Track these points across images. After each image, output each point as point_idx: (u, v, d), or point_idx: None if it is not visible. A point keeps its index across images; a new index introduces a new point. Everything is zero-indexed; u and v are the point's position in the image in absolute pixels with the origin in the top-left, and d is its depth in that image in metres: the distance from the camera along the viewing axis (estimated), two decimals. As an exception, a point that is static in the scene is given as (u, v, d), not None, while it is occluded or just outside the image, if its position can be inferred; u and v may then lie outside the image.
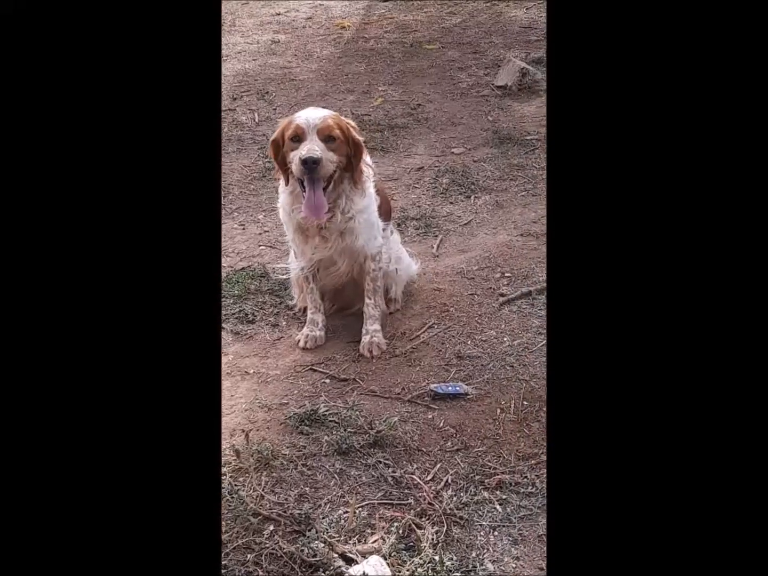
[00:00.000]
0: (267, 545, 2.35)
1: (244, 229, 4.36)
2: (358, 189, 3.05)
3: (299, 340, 3.30)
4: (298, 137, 2.92)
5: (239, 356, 3.29)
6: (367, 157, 3.17)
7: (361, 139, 3.05)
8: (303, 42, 7.52)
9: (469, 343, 3.23)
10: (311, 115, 2.94)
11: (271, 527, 2.43)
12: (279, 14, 8.53)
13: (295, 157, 2.90)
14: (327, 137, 2.91)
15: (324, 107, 5.67)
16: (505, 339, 3.22)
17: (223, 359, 3.27)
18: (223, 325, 3.47)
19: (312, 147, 2.85)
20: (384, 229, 3.29)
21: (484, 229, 4.16)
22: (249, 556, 2.34)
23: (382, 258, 3.25)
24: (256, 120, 5.74)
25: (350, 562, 2.30)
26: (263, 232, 4.24)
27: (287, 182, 3.05)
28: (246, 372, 3.19)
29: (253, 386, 3.10)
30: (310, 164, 2.84)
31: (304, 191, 2.94)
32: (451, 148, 5.17)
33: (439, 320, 3.40)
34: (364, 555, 2.32)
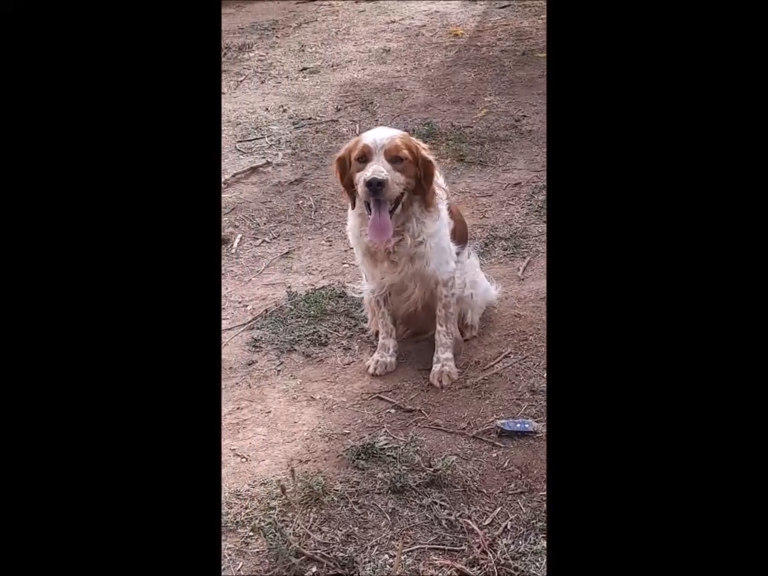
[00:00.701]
0: (310, 589, 2.25)
1: (330, 245, 4.30)
2: (429, 212, 2.92)
3: (369, 366, 3.20)
4: (365, 157, 2.82)
5: (308, 380, 3.22)
6: (440, 179, 3.04)
7: (432, 158, 2.92)
8: (414, 51, 7.42)
9: (545, 375, 3.05)
10: (379, 135, 2.84)
11: (314, 569, 2.34)
12: (394, 22, 8.46)
13: (360, 178, 2.80)
14: (394, 158, 2.80)
15: (426, 119, 5.69)
16: (583, 372, 3.02)
17: (292, 383, 3.20)
18: (296, 347, 3.41)
19: (378, 168, 2.75)
20: (458, 253, 3.15)
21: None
22: (287, 598, 2.25)
23: (454, 284, 3.11)
24: (357, 131, 5.67)
25: (390, 612, 2.18)
26: (348, 249, 4.13)
27: (353, 205, 2.96)
28: (312, 397, 3.11)
29: (318, 413, 3.01)
30: (375, 186, 2.73)
31: (370, 213, 2.83)
32: (553, 163, 4.96)
33: (516, 349, 3.23)
34: (406, 606, 2.20)
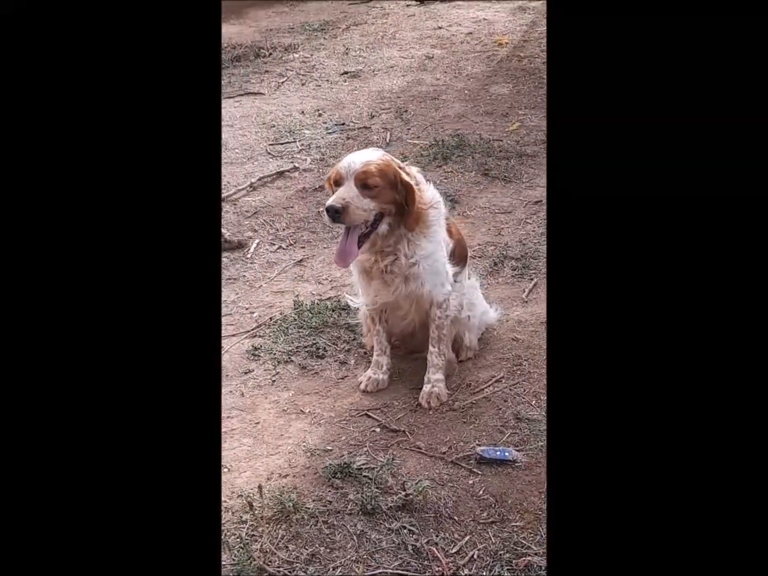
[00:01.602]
0: (265, 607, 2.27)
1: (344, 255, 4.30)
2: (417, 234, 2.92)
3: (361, 383, 3.21)
4: (338, 182, 2.83)
5: (300, 392, 3.24)
6: (435, 199, 3.03)
7: (412, 183, 2.90)
8: (456, 58, 7.40)
9: (533, 403, 3.03)
10: (355, 159, 2.86)
11: (275, 586, 2.35)
12: (440, 28, 8.45)
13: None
14: (363, 184, 2.81)
15: (457, 130, 5.67)
16: (572, 403, 2.99)
17: (284, 395, 3.23)
18: (293, 358, 3.44)
19: (341, 194, 2.77)
20: (457, 274, 3.14)
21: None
22: (245, 615, 2.27)
23: (449, 305, 3.10)
24: (387, 140, 5.68)
25: (344, 636, 2.19)
26: (361, 260, 4.16)
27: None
28: (302, 411, 3.13)
29: (305, 427, 3.03)
30: (332, 213, 2.76)
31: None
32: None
33: (508, 374, 3.22)
34: (359, 631, 2.21)
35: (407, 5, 9.57)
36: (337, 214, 2.76)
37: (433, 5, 9.38)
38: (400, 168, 2.92)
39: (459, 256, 3.18)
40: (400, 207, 2.88)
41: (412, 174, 2.96)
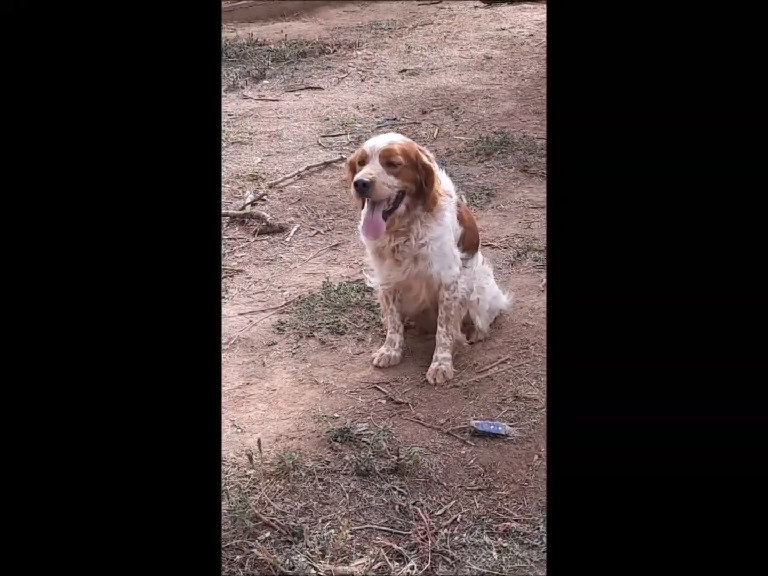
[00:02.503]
0: (255, 550, 2.46)
1: (377, 241, 4.48)
2: (428, 216, 3.09)
3: (374, 358, 3.39)
4: (363, 161, 3.02)
5: (317, 365, 3.42)
6: (448, 187, 3.20)
7: (432, 165, 3.08)
8: (514, 59, 7.52)
9: (533, 383, 3.17)
10: (379, 141, 3.05)
11: (268, 534, 2.54)
12: (503, 29, 8.57)
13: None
14: (388, 162, 3.00)
15: (504, 127, 5.81)
16: (570, 385, 3.12)
17: (302, 366, 3.42)
18: (314, 333, 3.63)
19: (368, 170, 2.95)
20: (467, 259, 3.29)
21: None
22: (238, 557, 2.46)
23: (457, 287, 3.26)
24: (435, 135, 5.84)
25: (324, 579, 2.38)
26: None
27: (361, 205, 3.15)
28: (316, 381, 3.31)
29: (317, 396, 3.22)
30: (360, 186, 2.94)
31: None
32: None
33: (514, 356, 3.36)
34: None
35: (475, 6, 9.71)
36: (365, 187, 2.96)
37: (500, 7, 9.50)
38: (420, 150, 3.09)
39: (469, 243, 3.33)
40: (419, 187, 3.06)
41: (431, 158, 3.13)
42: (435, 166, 3.14)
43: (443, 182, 3.18)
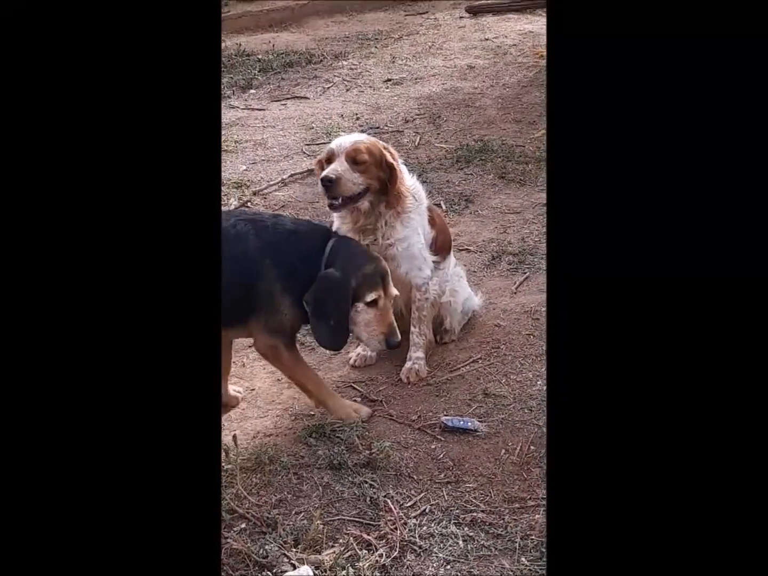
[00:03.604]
0: (231, 540, 2.56)
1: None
2: (394, 217, 3.21)
3: (351, 358, 3.50)
4: (330, 159, 3.15)
5: (295, 366, 3.52)
6: (419, 193, 3.32)
7: (395, 163, 3.20)
8: (497, 69, 7.64)
9: (502, 381, 3.28)
10: (345, 140, 3.19)
11: (243, 525, 2.65)
12: (487, 39, 8.69)
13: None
14: (353, 159, 3.12)
15: (483, 135, 5.93)
16: (538, 383, 3.24)
17: (280, 366, 3.52)
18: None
19: (334, 167, 3.08)
20: (438, 262, 3.41)
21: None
22: (214, 546, 2.57)
23: (429, 289, 3.37)
24: (416, 143, 5.96)
25: (296, 568, 2.48)
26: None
27: (330, 204, 3.26)
28: (294, 381, 3.41)
29: (295, 395, 3.32)
30: (326, 182, 3.07)
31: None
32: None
33: (486, 356, 3.47)
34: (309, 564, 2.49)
35: (460, 17, 9.85)
36: (330, 183, 3.08)
37: (485, 18, 9.63)
38: (385, 149, 3.22)
39: (441, 246, 3.44)
40: (383, 185, 3.18)
41: (395, 156, 3.25)
42: (398, 165, 3.26)
43: (412, 187, 3.29)
